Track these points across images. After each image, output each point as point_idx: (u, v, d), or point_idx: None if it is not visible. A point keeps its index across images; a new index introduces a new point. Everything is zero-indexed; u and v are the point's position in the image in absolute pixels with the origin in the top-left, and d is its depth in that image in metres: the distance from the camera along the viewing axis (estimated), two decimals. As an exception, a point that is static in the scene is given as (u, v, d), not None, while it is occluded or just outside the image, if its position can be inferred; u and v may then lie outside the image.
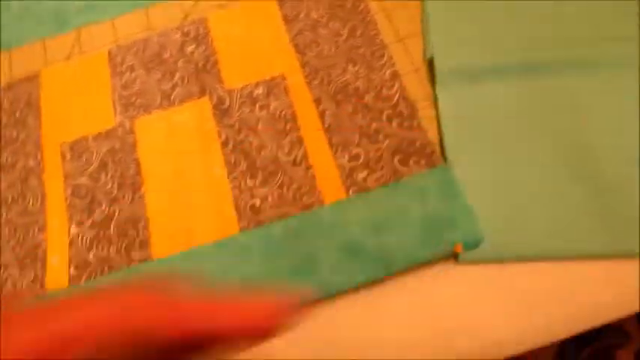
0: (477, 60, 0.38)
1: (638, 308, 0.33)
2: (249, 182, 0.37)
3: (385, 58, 0.40)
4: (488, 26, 0.39)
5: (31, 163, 0.41)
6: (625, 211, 0.33)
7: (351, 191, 0.36)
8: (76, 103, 0.42)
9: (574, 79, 0.36)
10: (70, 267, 0.37)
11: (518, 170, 0.35)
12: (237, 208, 0.37)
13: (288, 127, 0.39)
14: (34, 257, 0.37)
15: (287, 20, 0.42)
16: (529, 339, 0.33)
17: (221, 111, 0.40)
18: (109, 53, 0.44)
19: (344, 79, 0.39)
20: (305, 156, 0.38)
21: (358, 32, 0.41)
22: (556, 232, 0.33)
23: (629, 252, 0.32)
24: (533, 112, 0.36)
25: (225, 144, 0.39)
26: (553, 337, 0.34)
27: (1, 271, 0.37)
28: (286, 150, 0.38)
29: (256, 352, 0.34)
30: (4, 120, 0.42)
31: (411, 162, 0.36)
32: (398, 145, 0.37)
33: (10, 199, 0.40)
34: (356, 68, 0.40)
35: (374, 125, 0.38)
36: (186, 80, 0.41)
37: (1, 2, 0.48)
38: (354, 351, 0.33)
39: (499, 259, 0.33)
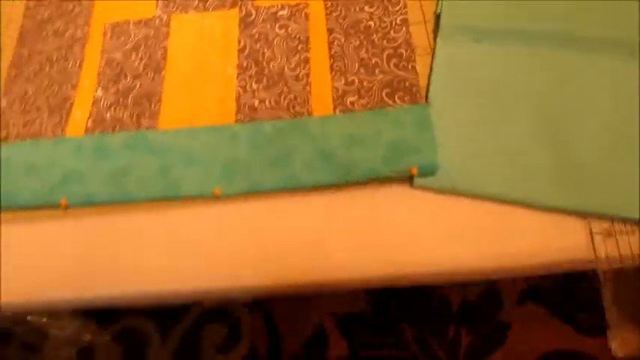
0: (480, 22, 0.42)
1: (567, 263, 0.36)
2: (254, 85, 0.43)
3: (400, 6, 0.44)
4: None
5: (79, 33, 0.47)
6: (579, 172, 0.36)
7: (337, 110, 0.41)
8: (127, -8, 0.48)
9: (567, 54, 0.40)
10: (88, 120, 0.43)
11: (489, 121, 0.39)
12: (237, 103, 0.42)
13: (299, 47, 0.43)
14: (62, 107, 0.44)
15: (322, -43, 0.47)
16: (459, 271, 0.37)
17: (246, 23, 0.45)
18: (165, -45, 0.49)
19: (359, 16, 0.44)
20: (307, 74, 0.42)
21: (382, -21, 0.45)
22: (509, 179, 0.37)
23: (577, 207, 0.35)
24: (520, 77, 0.40)
25: (242, 50, 0.44)
26: (483, 275, 0.37)
27: (35, 112, 0.44)
28: (292, 66, 0.43)
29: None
30: (65, -5, 0.49)
31: (397, 97, 0.40)
32: (390, 81, 0.41)
33: (54, 58, 0.46)
34: (372, 9, 0.44)
35: (374, 60, 0.42)
36: (223, -9, 0.47)
37: None
38: (299, 242, 0.38)
39: (450, 191, 0.37)
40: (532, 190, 0.36)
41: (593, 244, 0.35)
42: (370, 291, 0.91)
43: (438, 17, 0.43)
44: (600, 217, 0.35)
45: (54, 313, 1.03)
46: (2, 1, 0.50)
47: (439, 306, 0.88)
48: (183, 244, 0.39)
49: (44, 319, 1.04)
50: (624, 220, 0.35)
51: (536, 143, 0.38)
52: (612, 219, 0.35)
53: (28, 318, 1.04)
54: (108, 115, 0.43)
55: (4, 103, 0.45)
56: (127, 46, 0.46)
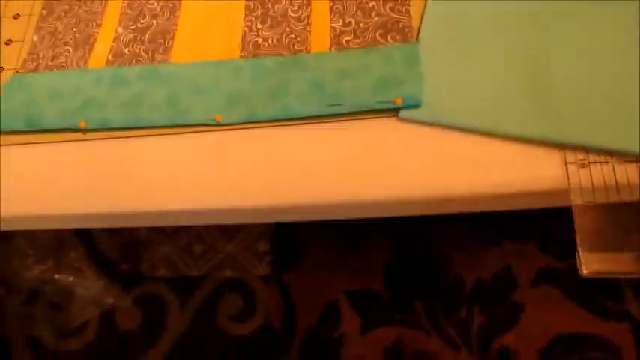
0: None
1: (542, 194, 0.38)
2: (259, 25, 0.46)
3: (399, -48, 0.46)
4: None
5: (105, -23, 0.51)
6: (556, 103, 0.38)
7: (333, 48, 0.43)
8: (149, -59, 0.52)
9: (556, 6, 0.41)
10: (109, 54, 0.47)
11: (475, 59, 0.41)
12: (243, 41, 0.45)
13: (303, -10, 0.46)
14: (86, 42, 0.48)
15: None
16: (439, 198, 0.39)
17: (255, -33, 0.48)
18: None
19: (360, -38, 0.46)
20: (308, 16, 0.45)
21: None
22: (489, 112, 0.39)
23: (553, 138, 0.37)
24: (507, 19, 0.42)
25: (250, -7, 0.47)
26: (462, 204, 0.40)
27: (61, 47, 0.49)
28: (295, 8, 0.46)
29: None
30: (94, -58, 0.54)
31: (389, 37, 0.43)
32: (384, 23, 0.43)
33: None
34: (372, -44, 0.46)
35: (371, 4, 0.45)
36: (236, -61, 0.50)
37: None
38: (292, 168, 0.41)
39: (433, 123, 0.39)
40: (509, 122, 0.38)
41: (567, 174, 0.37)
42: (384, 269, 0.93)
43: (435, -37, 0.45)
44: (575, 148, 0.37)
45: (80, 271, 1.11)
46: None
47: (452, 285, 0.90)
48: (187, 167, 0.43)
49: (71, 278, 1.12)
50: (598, 151, 0.37)
51: (516, 78, 0.40)
52: (587, 150, 0.37)
53: (56, 276, 1.12)
54: (126, 50, 0.47)
55: (35, 38, 0.50)
56: (146, -11, 0.50)
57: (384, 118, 0.41)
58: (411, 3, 0.44)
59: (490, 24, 0.42)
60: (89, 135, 0.44)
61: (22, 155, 0.45)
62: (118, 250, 1.13)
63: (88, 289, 1.12)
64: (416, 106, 0.40)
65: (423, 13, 0.43)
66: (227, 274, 1.05)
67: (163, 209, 0.42)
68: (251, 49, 0.45)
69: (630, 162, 0.36)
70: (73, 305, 1.11)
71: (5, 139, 0.46)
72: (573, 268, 0.35)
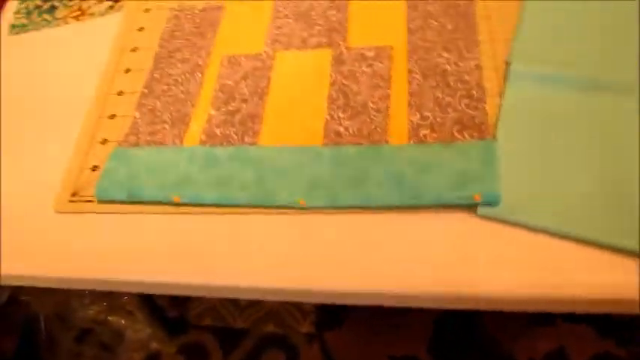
0: (546, 70, 0.46)
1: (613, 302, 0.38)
2: (341, 114, 0.50)
3: (474, 53, 0.49)
4: (562, 46, 0.47)
5: (200, 62, 0.57)
6: (633, 212, 0.39)
7: (411, 141, 0.46)
8: (241, 31, 0.58)
9: (624, 101, 0.43)
10: (202, 134, 0.52)
11: (551, 159, 0.43)
12: (325, 128, 0.49)
13: (382, 84, 0.50)
14: (182, 121, 0.53)
15: (409, 8, 0.54)
16: (509, 297, 0.40)
17: (338, 61, 0.53)
18: (275, 3, 0.59)
19: (437, 60, 0.50)
20: (387, 107, 0.49)
21: (460, 29, 0.51)
22: (566, 214, 0.40)
23: (629, 247, 0.38)
24: (581, 120, 0.44)
25: (332, 84, 0.52)
26: (529, 304, 0.40)
27: (160, 124, 0.54)
28: (375, 100, 0.50)
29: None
30: (192, 30, 0.60)
31: (466, 133, 0.46)
32: (460, 119, 0.46)
33: (179, 80, 0.56)
34: (449, 55, 0.50)
35: (447, 99, 0.48)
36: (321, 34, 0.55)
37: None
38: (369, 254, 0.43)
39: (511, 222, 0.41)
40: (587, 226, 0.40)
41: (640, 284, 0.37)
42: (430, 337, 0.92)
43: (507, 64, 0.48)
44: (651, 256, 0.38)
45: (131, 315, 1.15)
46: (139, 33, 0.62)
47: (503, 360, 0.86)
48: (270, 245, 0.46)
49: (123, 322, 1.16)
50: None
51: (593, 181, 0.41)
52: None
53: (109, 318, 1.17)
54: (218, 131, 0.52)
55: (137, 114, 0.55)
56: (237, 75, 0.55)
57: (462, 213, 0.43)
58: (487, 100, 0.47)
59: (568, 123, 0.44)
60: (181, 209, 0.49)
61: (118, 223, 0.50)
62: (168, 296, 1.17)
63: (137, 332, 1.16)
64: (494, 203, 0.42)
65: (499, 110, 0.46)
66: (270, 329, 1.06)
67: (241, 285, 0.45)
68: (333, 137, 0.49)
69: None
70: (121, 347, 1.14)
71: (102, 207, 0.50)
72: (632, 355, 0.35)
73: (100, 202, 0.50)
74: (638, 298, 0.37)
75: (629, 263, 0.38)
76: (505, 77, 0.48)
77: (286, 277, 0.44)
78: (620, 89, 0.44)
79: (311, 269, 0.44)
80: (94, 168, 0.53)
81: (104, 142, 0.54)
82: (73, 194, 0.51)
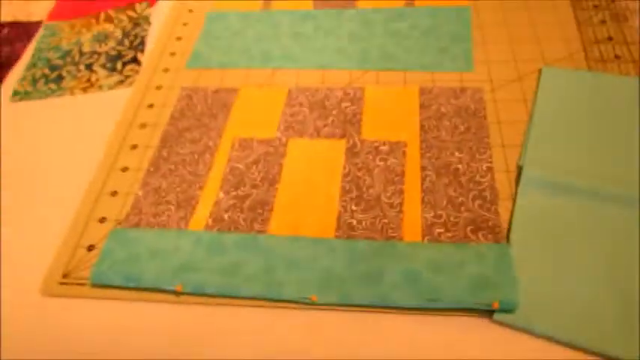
0: (557, 178, 0.47)
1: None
2: (354, 207, 0.49)
3: (486, 155, 0.51)
4: (571, 154, 0.48)
5: (211, 143, 0.57)
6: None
7: (426, 239, 0.46)
8: (254, 115, 0.58)
9: (634, 216, 0.44)
10: (209, 218, 0.50)
11: (565, 268, 0.43)
12: (338, 220, 0.48)
13: (396, 179, 0.50)
14: (189, 204, 0.52)
15: (422, 107, 0.56)
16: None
17: (352, 152, 0.53)
18: (289, 90, 0.60)
19: (450, 159, 0.51)
20: (401, 203, 0.49)
21: (472, 131, 0.53)
22: (583, 326, 0.40)
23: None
24: (590, 230, 0.44)
25: (346, 175, 0.51)
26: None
27: (164, 205, 0.52)
28: (389, 194, 0.50)
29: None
30: (204, 111, 0.60)
31: (480, 234, 0.45)
32: (474, 219, 0.47)
33: (187, 161, 0.55)
34: (461, 155, 0.51)
35: (460, 199, 0.48)
36: (335, 124, 0.56)
37: (232, 43, 0.68)
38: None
39: (527, 329, 0.40)
40: (601, 340, 0.39)
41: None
42: None
43: (519, 168, 0.49)
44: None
45: None
46: (148, 109, 0.62)
47: None
48: (274, 342, 0.43)
49: None
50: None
51: (606, 293, 0.41)
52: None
53: None
54: (226, 215, 0.50)
55: (140, 193, 0.53)
56: (249, 159, 0.54)
57: (477, 318, 0.42)
58: (500, 203, 0.47)
59: (578, 230, 0.44)
60: (182, 298, 0.46)
61: (111, 310, 0.46)
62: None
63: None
64: (511, 311, 0.41)
65: (511, 214, 0.47)
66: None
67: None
68: (345, 230, 0.48)
69: None
70: None
71: (95, 292, 0.47)
72: None
73: (95, 286, 0.47)
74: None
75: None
76: (516, 181, 0.49)
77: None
78: (625, 201, 0.45)
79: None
80: (90, 248, 0.50)
81: (103, 220, 0.52)
82: (65, 275, 0.48)
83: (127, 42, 0.70)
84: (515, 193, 0.48)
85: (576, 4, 0.63)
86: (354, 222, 0.48)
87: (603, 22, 0.60)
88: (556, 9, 0.63)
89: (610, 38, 0.58)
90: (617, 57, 0.56)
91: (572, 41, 0.59)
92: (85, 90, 0.65)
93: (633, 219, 0.44)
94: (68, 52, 0.70)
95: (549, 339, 0.40)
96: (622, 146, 0.49)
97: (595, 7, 0.62)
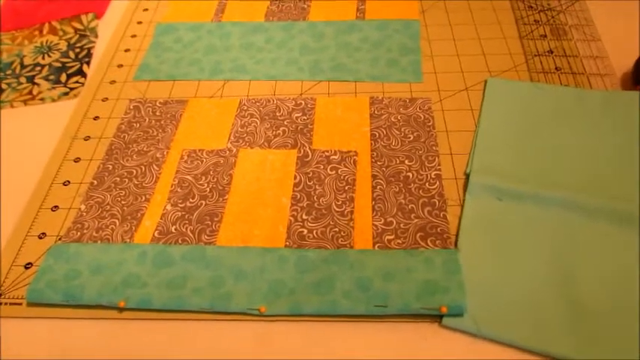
0: (502, 184, 0.48)
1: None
2: (304, 216, 0.49)
3: (435, 163, 0.51)
4: (516, 161, 0.50)
5: (159, 155, 0.55)
6: (594, 328, 0.39)
7: (376, 246, 0.46)
8: (204, 126, 0.57)
9: (573, 218, 0.46)
10: (155, 231, 0.49)
11: (511, 271, 0.43)
12: (288, 230, 0.48)
13: (346, 187, 0.50)
14: (134, 217, 0.50)
15: (372, 116, 0.56)
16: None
17: (303, 162, 0.53)
18: (240, 101, 0.60)
19: (399, 167, 0.51)
20: (351, 212, 0.49)
21: (421, 140, 0.53)
22: (529, 328, 0.40)
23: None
24: (535, 234, 0.45)
25: (297, 185, 0.51)
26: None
27: (108, 218, 0.50)
28: (339, 203, 0.49)
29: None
30: (152, 123, 0.58)
31: (429, 240, 0.46)
32: (423, 226, 0.47)
33: (134, 173, 0.54)
34: (411, 163, 0.51)
35: (410, 206, 0.48)
36: (286, 135, 0.55)
37: (182, 55, 0.67)
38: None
39: (475, 333, 0.40)
40: (548, 342, 0.39)
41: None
42: None
43: (467, 176, 0.50)
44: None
45: None
46: (93, 121, 0.60)
47: None
48: (223, 355, 0.42)
49: None
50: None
51: (552, 295, 0.42)
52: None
53: None
54: (173, 228, 0.49)
55: (83, 207, 0.51)
56: (198, 170, 0.53)
57: (427, 323, 0.42)
58: (448, 210, 0.48)
59: (524, 235, 0.45)
60: (125, 314, 0.44)
61: (50, 330, 0.44)
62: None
63: None
64: (459, 315, 0.41)
65: (459, 220, 0.47)
66: None
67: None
68: (296, 239, 0.47)
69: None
70: None
71: (34, 310, 0.44)
72: None
73: (31, 305, 0.44)
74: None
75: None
76: (464, 188, 0.49)
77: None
78: (567, 205, 0.47)
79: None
80: (28, 265, 0.47)
81: (42, 236, 0.49)
82: (-1, 295, 0.45)
83: (72, 54, 0.68)
84: (463, 199, 0.49)
85: (519, 20, 0.66)
86: (305, 231, 0.48)
87: (544, 36, 0.63)
88: (500, 24, 0.66)
89: (550, 51, 0.61)
90: (557, 69, 0.58)
91: (515, 54, 0.61)
92: (25, 102, 0.62)
93: (576, 222, 0.46)
94: (9, 65, 0.67)
95: (498, 342, 0.40)
96: (562, 152, 0.50)
97: (536, 22, 0.65)
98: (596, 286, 0.42)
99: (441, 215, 0.48)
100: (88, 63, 0.67)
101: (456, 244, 0.45)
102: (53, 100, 0.63)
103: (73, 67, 0.66)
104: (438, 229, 0.46)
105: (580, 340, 0.39)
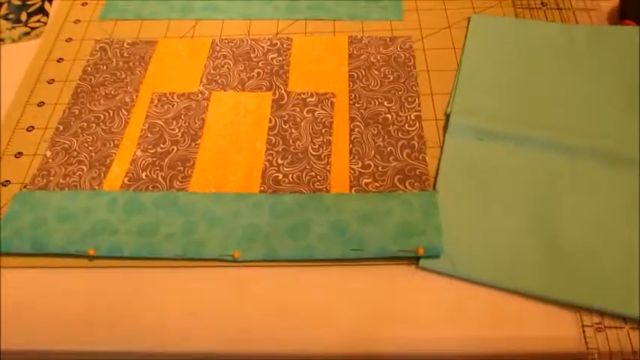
0: (483, 124, 0.47)
1: (558, 354, 0.38)
2: (280, 160, 0.47)
3: (415, 104, 0.49)
4: (499, 100, 0.48)
5: (127, 99, 0.52)
6: (569, 265, 0.39)
7: (353, 190, 0.45)
8: (175, 68, 0.55)
9: (554, 157, 0.45)
10: (125, 177, 0.47)
11: (488, 211, 0.43)
12: (263, 175, 0.46)
13: (323, 130, 0.49)
14: (103, 163, 0.48)
15: (351, 56, 0.54)
16: (451, 353, 0.39)
17: (278, 105, 0.51)
18: (212, 42, 0.56)
19: (378, 109, 0.49)
20: (328, 155, 0.47)
21: (401, 80, 0.51)
22: (504, 267, 0.40)
23: (567, 299, 0.38)
24: (515, 173, 0.45)
25: (272, 128, 0.49)
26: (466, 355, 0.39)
27: (75, 165, 0.48)
28: (316, 146, 0.48)
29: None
30: (120, 65, 0.55)
31: (407, 183, 0.45)
32: (402, 168, 0.46)
33: (102, 118, 0.51)
34: (390, 105, 0.50)
35: (389, 149, 0.47)
36: (260, 76, 0.53)
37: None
38: (307, 312, 0.40)
39: (452, 273, 0.40)
40: (525, 280, 0.39)
41: (584, 336, 0.37)
42: None
43: (447, 116, 0.48)
44: (590, 310, 0.38)
45: None
46: (57, 64, 0.56)
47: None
48: (199, 303, 0.41)
49: None
50: (613, 315, 0.38)
51: (530, 235, 0.41)
52: (602, 313, 0.38)
53: None
54: (143, 174, 0.47)
55: (48, 153, 0.49)
56: (169, 115, 0.51)
57: (404, 265, 0.41)
58: (428, 151, 0.47)
59: (504, 176, 0.44)
60: (96, 262, 0.43)
61: (21, 280, 0.42)
62: None
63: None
64: (436, 256, 0.40)
65: (439, 161, 0.46)
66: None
67: (165, 350, 0.40)
68: (271, 184, 0.46)
69: (643, 329, 0.37)
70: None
71: (5, 260, 0.43)
72: None
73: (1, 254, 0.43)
74: (586, 351, 0.37)
75: (573, 317, 0.38)
76: (444, 129, 0.48)
77: (220, 339, 0.39)
78: (550, 146, 0.46)
79: (248, 330, 0.39)
80: (-8, 213, 0.46)
81: (6, 183, 0.47)
82: (-37, 244, 0.44)
83: (32, -9, 0.64)
84: (443, 141, 0.47)
85: (507, -46, 0.62)
86: (280, 176, 0.46)
87: (532, -29, 0.60)
88: (487, -41, 0.62)
89: (537, -14, 0.58)
90: (543, 4, 0.56)
91: (501, -11, 0.58)
92: (-16, 44, 0.59)
93: (557, 162, 0.45)
94: (-36, 3, 0.63)
95: (475, 282, 0.40)
96: (547, 91, 0.49)
97: (524, -44, 0.61)
98: (574, 227, 0.41)
99: (420, 157, 0.46)
100: (50, 0, 0.62)
101: (434, 186, 0.45)
102: (13, 41, 0.59)
103: (33, 4, 0.62)
104: (417, 172, 0.45)
105: (555, 278, 0.39)
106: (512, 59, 0.51)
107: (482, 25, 0.54)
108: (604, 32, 0.52)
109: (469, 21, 0.55)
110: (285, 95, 0.51)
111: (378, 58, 0.53)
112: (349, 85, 0.52)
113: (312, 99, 0.51)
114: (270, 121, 0.50)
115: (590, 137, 0.45)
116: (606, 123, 0.46)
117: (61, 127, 0.51)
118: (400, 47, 0.54)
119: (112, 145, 0.49)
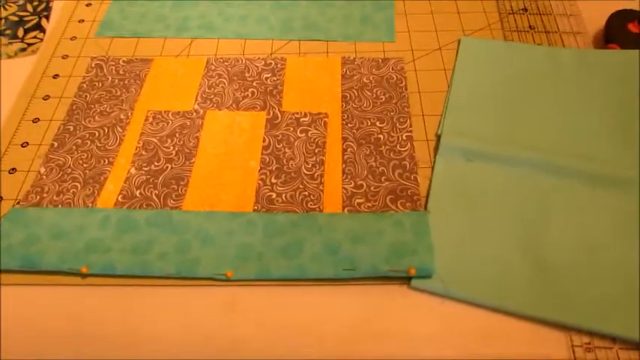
0: (473, 145, 0.48)
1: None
2: (273, 179, 0.48)
3: (407, 125, 0.50)
4: (488, 122, 0.49)
5: (122, 116, 0.53)
6: (559, 286, 0.40)
7: (345, 209, 0.45)
8: (170, 87, 0.55)
9: (544, 178, 0.46)
10: (119, 195, 0.47)
11: (478, 232, 0.43)
12: (257, 194, 0.47)
13: (317, 150, 0.49)
14: (97, 180, 0.48)
15: (344, 77, 0.55)
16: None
17: (272, 124, 0.51)
18: (207, 61, 0.57)
19: (371, 130, 0.50)
20: (321, 175, 0.48)
21: (393, 101, 0.52)
22: (497, 288, 0.40)
23: (556, 320, 0.39)
24: (504, 194, 0.45)
25: (266, 147, 0.50)
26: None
27: (69, 182, 0.48)
28: (309, 166, 0.48)
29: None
30: (115, 82, 0.56)
31: (399, 203, 0.45)
32: (393, 188, 0.46)
33: (97, 135, 0.51)
34: (382, 125, 0.51)
35: (381, 169, 0.48)
36: (255, 96, 0.54)
37: (147, 10, 0.64)
38: (298, 330, 0.40)
39: (443, 294, 0.41)
40: (515, 300, 0.40)
41: (574, 356, 0.38)
42: None
43: (438, 137, 0.49)
44: (579, 330, 0.39)
45: None
46: (53, 80, 0.57)
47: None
48: (191, 322, 0.41)
49: None
50: (602, 335, 0.38)
51: (519, 255, 0.42)
52: (591, 333, 0.38)
53: None
54: (137, 192, 0.47)
55: (42, 169, 0.49)
56: (163, 132, 0.51)
57: (396, 285, 0.42)
58: (419, 172, 0.47)
59: (493, 197, 0.45)
60: (89, 280, 0.43)
61: (14, 296, 0.42)
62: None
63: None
64: (427, 276, 0.41)
65: (430, 182, 0.47)
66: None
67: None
68: (264, 203, 0.46)
69: (633, 349, 0.38)
70: None
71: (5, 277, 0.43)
72: None
73: (-13, 271, 0.43)
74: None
75: (563, 337, 0.39)
76: (435, 150, 0.49)
77: (212, 357, 0.39)
78: (538, 166, 0.47)
79: (239, 349, 0.40)
80: (-15, 230, 0.46)
81: None
82: (-45, 261, 0.44)
83: (30, 7, 0.64)
84: (434, 161, 0.48)
85: (496, -22, 0.64)
86: (274, 195, 0.47)
87: (519, -6, 0.61)
88: (477, -18, 0.64)
89: (524, 9, 0.59)
90: (531, 27, 0.57)
91: (489, 12, 0.60)
92: (-21, 60, 0.59)
93: (545, 183, 0.46)
94: (-40, 19, 0.63)
95: (466, 302, 0.40)
96: (535, 112, 0.50)
97: (512, -20, 0.63)
98: (563, 247, 0.42)
99: (412, 177, 0.47)
100: (47, 17, 0.63)
101: (425, 206, 0.45)
102: (9, 57, 0.59)
103: (30, 21, 0.63)
104: (409, 192, 0.46)
105: (544, 298, 0.40)
106: (500, 81, 0.53)
107: (471, 48, 0.55)
108: (590, 55, 0.54)
109: (459, 43, 0.56)
110: (279, 115, 0.52)
111: (371, 79, 0.54)
112: (342, 105, 0.52)
113: (306, 119, 0.52)
114: (264, 140, 0.50)
115: (579, 158, 0.46)
116: (594, 144, 0.47)
117: (56, 144, 0.51)
118: (392, 68, 0.55)
119: (106, 162, 0.50)
